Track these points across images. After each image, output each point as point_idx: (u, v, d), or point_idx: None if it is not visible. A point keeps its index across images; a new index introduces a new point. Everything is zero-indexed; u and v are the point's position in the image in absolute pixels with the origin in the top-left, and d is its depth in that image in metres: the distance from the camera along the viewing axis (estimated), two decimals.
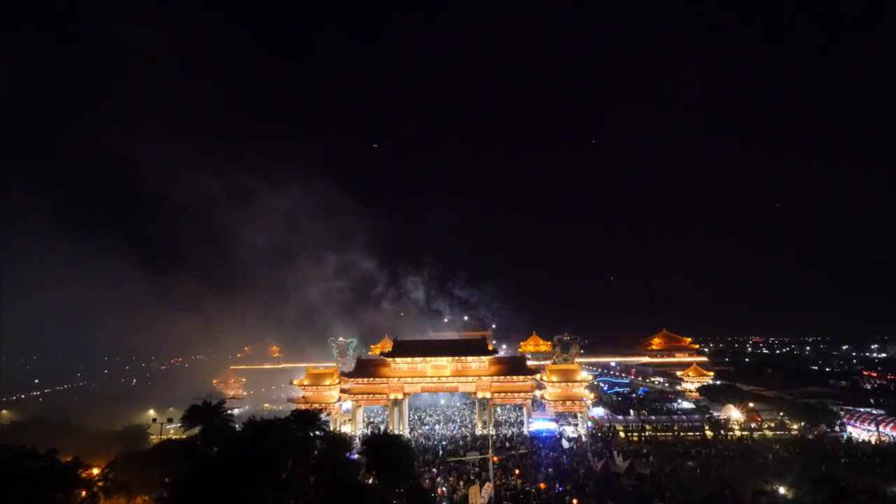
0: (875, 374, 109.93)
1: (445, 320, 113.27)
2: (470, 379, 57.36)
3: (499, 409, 63.95)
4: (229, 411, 31.34)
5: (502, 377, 57.04)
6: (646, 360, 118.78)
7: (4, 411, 76.59)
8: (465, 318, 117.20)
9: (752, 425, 55.98)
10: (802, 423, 55.47)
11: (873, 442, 51.31)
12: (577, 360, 61.02)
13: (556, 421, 55.84)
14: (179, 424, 32.69)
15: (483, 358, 58.27)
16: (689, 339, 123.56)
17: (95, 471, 26.27)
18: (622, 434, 52.91)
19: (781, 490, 31.20)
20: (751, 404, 60.75)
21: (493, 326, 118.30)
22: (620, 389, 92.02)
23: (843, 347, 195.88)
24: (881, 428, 52.37)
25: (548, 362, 66.96)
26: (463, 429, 58.71)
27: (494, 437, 49.25)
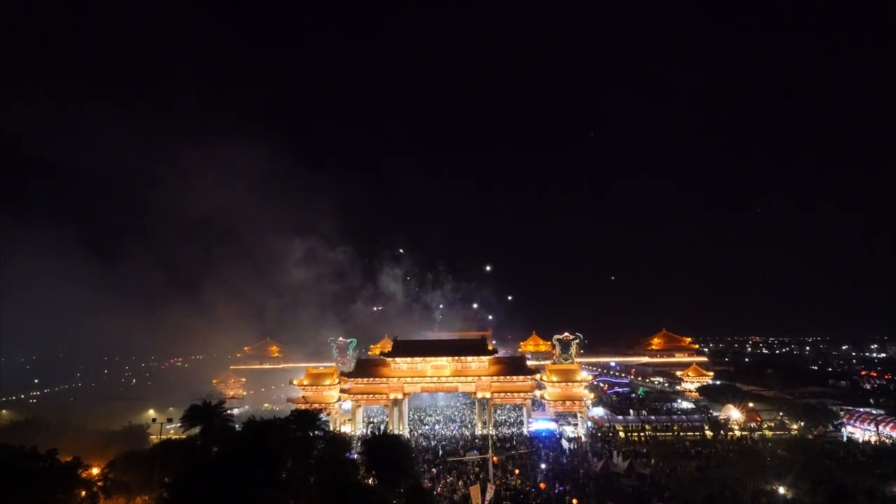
0: (875, 375, 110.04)
1: (439, 317, 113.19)
2: (470, 379, 57.37)
3: (498, 410, 64.01)
4: (229, 411, 31.40)
5: (502, 377, 57.06)
6: (645, 360, 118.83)
7: (4, 411, 76.57)
8: (464, 318, 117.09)
9: (752, 425, 55.98)
10: (802, 424, 55.45)
11: (873, 442, 51.34)
12: (577, 360, 60.87)
13: (556, 421, 55.85)
14: (179, 424, 32.71)
15: (483, 358, 58.28)
16: (689, 339, 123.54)
17: (95, 471, 26.29)
18: (622, 434, 52.90)
19: (781, 490, 31.22)
20: (750, 404, 60.76)
21: (492, 326, 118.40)
22: (620, 389, 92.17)
23: (843, 347, 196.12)
24: (881, 428, 52.38)
25: (547, 362, 66.94)
26: (463, 429, 58.68)
27: (494, 436, 49.28)
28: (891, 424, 51.71)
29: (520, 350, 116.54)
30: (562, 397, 55.98)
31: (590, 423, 55.75)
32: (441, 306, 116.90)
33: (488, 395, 56.45)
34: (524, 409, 57.95)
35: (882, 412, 56.86)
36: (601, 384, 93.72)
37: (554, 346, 61.55)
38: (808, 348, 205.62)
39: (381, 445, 28.55)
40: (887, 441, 50.88)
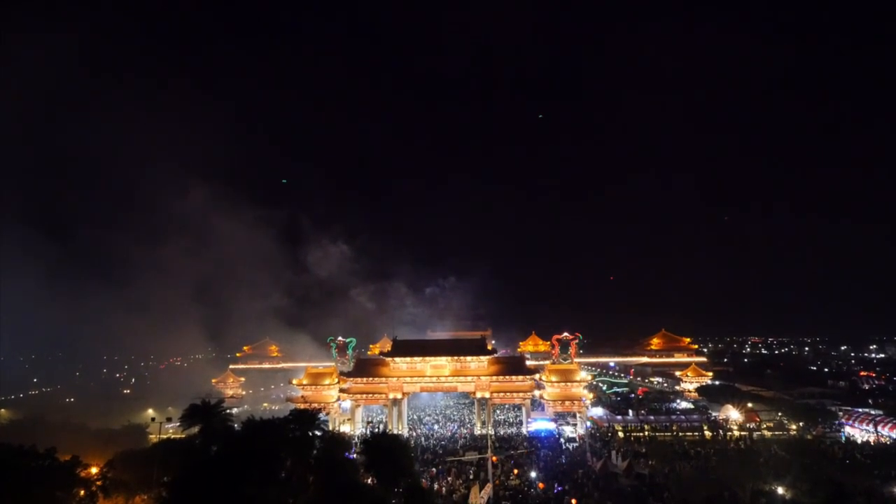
0: (873, 375, 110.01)
1: (437, 317, 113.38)
2: (469, 379, 57.39)
3: (498, 409, 64.01)
4: (228, 411, 31.26)
5: (501, 377, 57.08)
6: (645, 360, 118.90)
7: (3, 410, 76.59)
8: (463, 317, 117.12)
9: (751, 426, 56.05)
10: (801, 424, 55.55)
11: (872, 442, 51.40)
12: (576, 360, 60.96)
13: (555, 421, 55.90)
14: (178, 424, 32.64)
15: (482, 358, 58.29)
16: (688, 340, 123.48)
17: (94, 470, 26.35)
18: (621, 434, 52.94)
19: (780, 490, 31.26)
20: (749, 405, 60.83)
21: (491, 326, 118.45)
22: (619, 389, 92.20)
23: (842, 348, 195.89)
24: (879, 428, 52.44)
25: (547, 362, 67.02)
26: (462, 428, 58.72)
27: (493, 436, 49.32)
28: (889, 425, 51.77)
29: (519, 350, 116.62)
30: (561, 397, 56.02)
31: (589, 423, 55.77)
32: (440, 306, 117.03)
33: (487, 395, 56.47)
34: (523, 409, 57.99)
35: (881, 412, 56.87)
36: (600, 384, 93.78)
37: (553, 347, 61.63)
38: (807, 349, 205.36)
39: (380, 445, 28.54)
40: (886, 441, 50.94)
